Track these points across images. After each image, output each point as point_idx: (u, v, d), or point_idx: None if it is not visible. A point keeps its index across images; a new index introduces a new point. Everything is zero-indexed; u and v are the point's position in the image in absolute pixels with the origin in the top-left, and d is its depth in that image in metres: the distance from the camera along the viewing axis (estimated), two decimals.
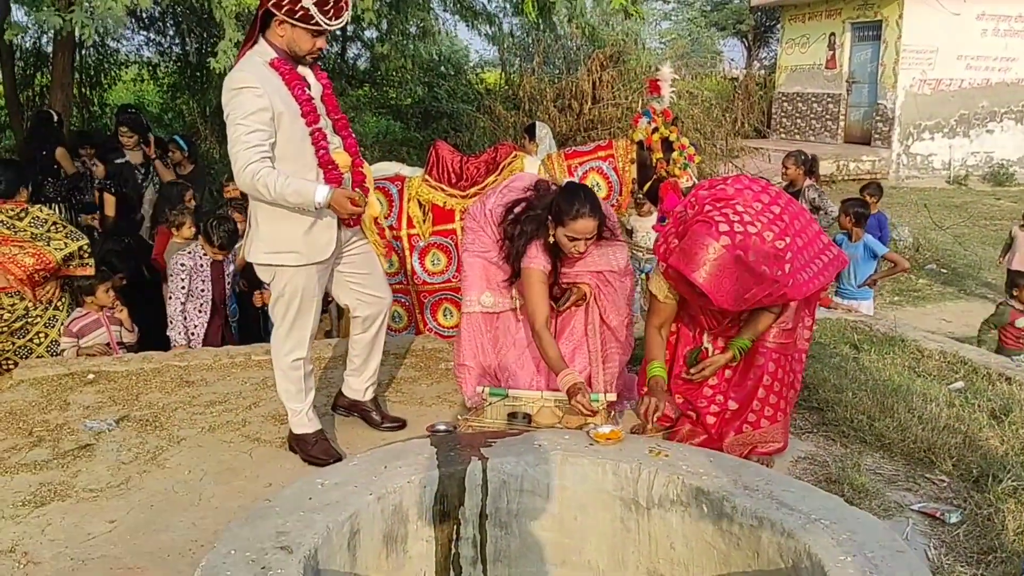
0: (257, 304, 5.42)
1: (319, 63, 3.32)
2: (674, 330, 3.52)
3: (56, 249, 4.72)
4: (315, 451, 3.40)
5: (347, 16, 3.13)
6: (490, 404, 3.46)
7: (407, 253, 4.96)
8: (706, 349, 3.43)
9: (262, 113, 3.04)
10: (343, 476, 2.66)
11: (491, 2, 12.20)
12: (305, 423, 3.44)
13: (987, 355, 4.95)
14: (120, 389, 4.19)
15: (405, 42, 11.72)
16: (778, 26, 20.52)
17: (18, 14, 8.91)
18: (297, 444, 3.46)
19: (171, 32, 13.23)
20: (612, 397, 3.49)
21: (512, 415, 3.39)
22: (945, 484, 3.34)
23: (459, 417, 3.43)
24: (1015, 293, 5.97)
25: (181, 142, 7.27)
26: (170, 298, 4.97)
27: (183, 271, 4.92)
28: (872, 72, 16.57)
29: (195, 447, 3.58)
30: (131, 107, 8.37)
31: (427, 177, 4.96)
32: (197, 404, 4.03)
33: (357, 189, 3.25)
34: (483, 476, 2.74)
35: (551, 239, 3.51)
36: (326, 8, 3.03)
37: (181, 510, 3.06)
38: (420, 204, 4.93)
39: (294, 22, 3.06)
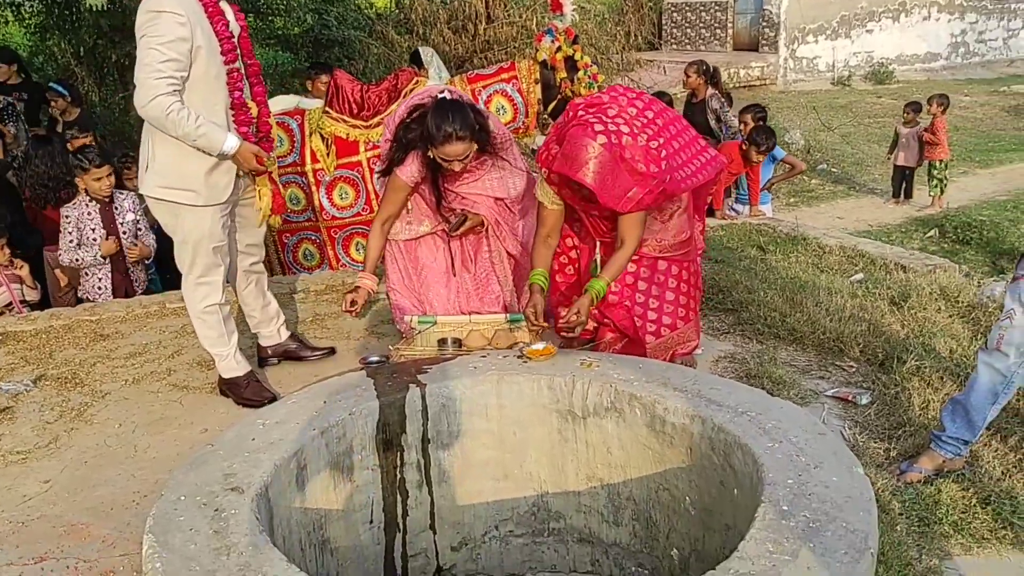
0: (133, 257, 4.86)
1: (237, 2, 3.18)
2: (576, 244, 3.58)
3: None
4: (248, 393, 3.38)
5: None
6: (419, 332, 3.49)
7: (313, 189, 4.88)
8: (596, 261, 3.50)
9: (181, 43, 2.89)
10: (283, 414, 2.66)
11: None
12: (234, 366, 3.40)
13: (883, 247, 5.24)
14: (31, 348, 4.05)
15: None
16: None
17: None
18: (228, 388, 3.43)
19: None
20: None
21: (442, 341, 3.41)
22: (854, 369, 3.57)
23: (390, 347, 3.45)
24: None
25: (60, 88, 6.84)
26: (61, 255, 4.70)
27: (69, 223, 4.67)
28: None
29: (121, 400, 3.51)
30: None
31: (328, 109, 4.86)
32: (116, 357, 3.93)
33: (266, 154, 3.16)
34: (423, 402, 2.78)
35: (431, 155, 3.40)
36: None
37: (117, 463, 3.02)
38: (323, 137, 4.84)
39: None
